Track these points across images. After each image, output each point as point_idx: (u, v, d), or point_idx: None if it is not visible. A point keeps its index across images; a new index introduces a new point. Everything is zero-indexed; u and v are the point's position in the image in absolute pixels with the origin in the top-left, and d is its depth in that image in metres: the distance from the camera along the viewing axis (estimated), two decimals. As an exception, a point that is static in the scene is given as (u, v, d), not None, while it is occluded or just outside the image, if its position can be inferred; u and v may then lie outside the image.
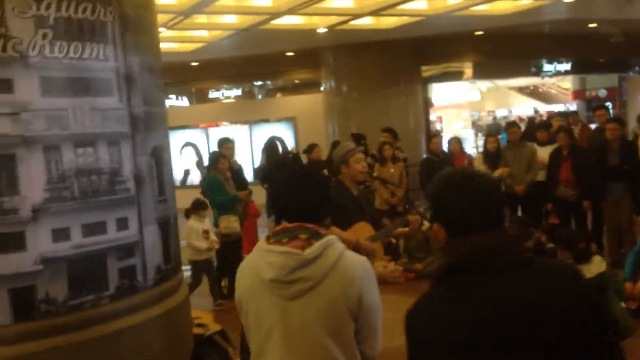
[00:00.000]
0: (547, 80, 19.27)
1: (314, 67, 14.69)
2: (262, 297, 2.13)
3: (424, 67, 14.45)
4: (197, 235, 7.02)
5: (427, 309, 1.64)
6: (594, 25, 13.28)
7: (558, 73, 15.77)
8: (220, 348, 5.44)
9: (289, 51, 14.25)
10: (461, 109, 19.75)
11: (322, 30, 11.32)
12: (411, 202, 7.90)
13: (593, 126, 10.34)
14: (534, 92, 23.20)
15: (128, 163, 4.10)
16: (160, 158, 4.49)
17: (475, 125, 19.17)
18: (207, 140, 15.43)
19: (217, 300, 7.13)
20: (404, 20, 11.37)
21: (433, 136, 8.75)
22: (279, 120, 15.40)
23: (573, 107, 19.85)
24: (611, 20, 12.93)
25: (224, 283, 7.44)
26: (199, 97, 17.84)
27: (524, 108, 22.45)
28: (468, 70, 15.02)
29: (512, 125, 8.25)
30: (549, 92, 23.41)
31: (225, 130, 15.53)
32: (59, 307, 3.72)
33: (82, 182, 3.87)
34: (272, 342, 2.11)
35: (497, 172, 7.67)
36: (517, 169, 7.68)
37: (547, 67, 15.33)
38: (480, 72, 14.85)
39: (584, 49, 15.09)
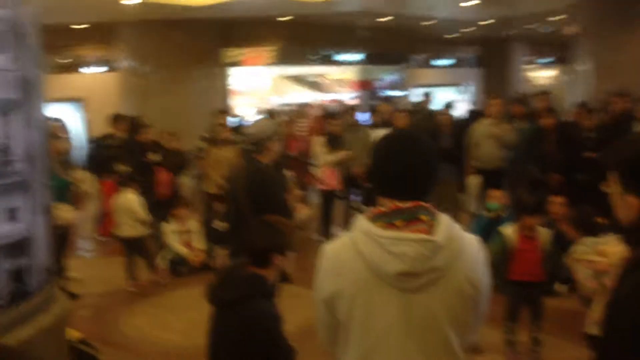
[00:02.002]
0: (319, 71, 20.28)
1: (107, 44, 13.45)
2: (377, 291, 1.77)
3: (225, 51, 14.16)
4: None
5: None
6: (386, 19, 14.31)
7: (349, 63, 16.69)
8: (89, 357, 4.73)
9: (78, 23, 12.84)
10: (247, 96, 19.83)
11: (128, 1, 10.40)
12: None
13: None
14: (307, 82, 24.34)
15: (19, 139, 3.31)
16: (45, 133, 3.73)
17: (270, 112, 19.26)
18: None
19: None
20: (217, -2, 10.98)
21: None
22: (63, 100, 13.78)
23: (346, 96, 21.32)
24: (397, 14, 14.06)
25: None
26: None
27: (299, 96, 23.35)
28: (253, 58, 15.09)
29: (351, 109, 8.48)
30: (321, 83, 24.78)
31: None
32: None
33: (-34, 162, 3.03)
34: (390, 340, 1.79)
35: (339, 155, 7.84)
36: (356, 152, 7.91)
37: (340, 57, 16.13)
38: (280, 58, 15.05)
39: (373, 42, 16.20)
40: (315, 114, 11.61)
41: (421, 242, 1.73)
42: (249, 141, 4.23)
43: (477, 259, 1.85)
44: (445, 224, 1.79)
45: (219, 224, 6.84)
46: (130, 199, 6.57)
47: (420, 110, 9.43)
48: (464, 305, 1.80)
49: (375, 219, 1.81)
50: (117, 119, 8.58)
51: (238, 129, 9.43)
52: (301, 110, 11.93)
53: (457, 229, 1.82)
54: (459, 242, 1.80)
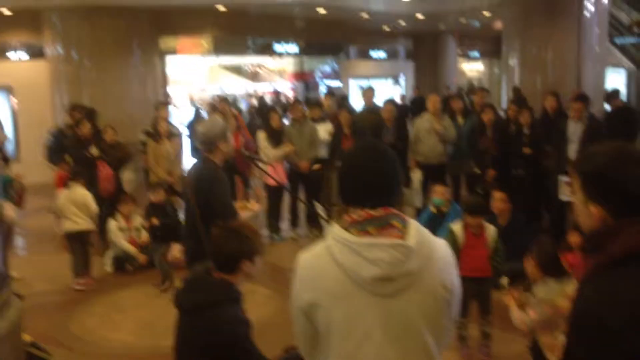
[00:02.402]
0: (256, 61, 20.12)
1: (36, 30, 12.87)
2: (354, 297, 1.81)
3: (162, 39, 13.88)
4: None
5: (618, 297, 1.53)
6: (323, 11, 14.38)
7: (286, 53, 16.66)
8: (40, 360, 4.61)
9: (3, 8, 12.23)
10: (183, 85, 19.43)
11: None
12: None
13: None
14: (242, 71, 24.09)
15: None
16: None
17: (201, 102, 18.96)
18: None
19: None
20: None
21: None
22: (-11, 88, 13.10)
23: (283, 87, 21.28)
24: (335, 7, 14.17)
25: None
26: None
27: (233, 86, 23.13)
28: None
29: (295, 102, 8.47)
30: (256, 72, 24.60)
31: None
32: None
33: None
34: (370, 345, 1.82)
35: (282, 149, 7.85)
36: (301, 146, 7.91)
37: (277, 47, 16.10)
38: (217, 48, 14.86)
39: (310, 33, 16.24)
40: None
41: (395, 247, 1.80)
42: (199, 140, 4.15)
43: (448, 262, 1.93)
44: (416, 229, 1.87)
45: (154, 220, 6.76)
46: (84, 193, 6.56)
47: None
48: (438, 308, 1.88)
49: (348, 227, 1.87)
50: (72, 108, 8.37)
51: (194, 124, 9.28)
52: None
53: (426, 233, 1.90)
54: (430, 246, 1.87)
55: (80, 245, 6.49)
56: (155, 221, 6.69)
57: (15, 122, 13.15)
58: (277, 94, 17.53)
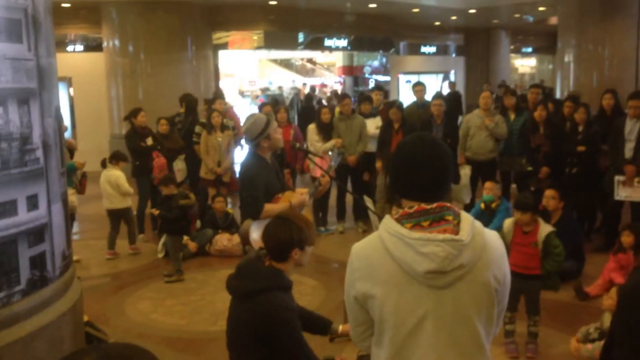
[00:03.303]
0: (305, 55, 20.20)
1: (93, 23, 13.28)
2: (407, 288, 1.85)
3: (214, 34, 14.11)
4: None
5: None
6: (374, 5, 14.34)
7: (337, 48, 16.71)
8: (97, 340, 4.79)
9: (64, 2, 12.65)
10: (233, 79, 19.72)
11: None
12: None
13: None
14: (290, 65, 24.24)
15: (37, 127, 3.36)
16: (59, 121, 3.77)
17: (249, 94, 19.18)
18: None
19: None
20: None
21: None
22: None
23: (330, 80, 21.35)
24: (386, 2, 14.12)
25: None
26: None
27: (281, 80, 23.31)
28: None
29: (344, 97, 8.49)
30: (304, 66, 24.73)
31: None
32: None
33: (-9, 150, 3.07)
34: (423, 334, 1.87)
35: (331, 143, 7.90)
36: (349, 140, 7.94)
37: (328, 42, 16.15)
38: (267, 42, 15.01)
39: (361, 28, 16.24)
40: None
41: (449, 242, 1.81)
42: (244, 137, 4.35)
43: (499, 253, 1.95)
44: (469, 222, 1.88)
45: (153, 211, 7.11)
46: (118, 175, 7.11)
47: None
48: (489, 299, 1.91)
49: (400, 219, 1.90)
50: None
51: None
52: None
53: (479, 225, 1.92)
54: (482, 238, 1.89)
55: (118, 222, 7.20)
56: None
57: (73, 112, 13.58)
58: (314, 88, 17.58)
